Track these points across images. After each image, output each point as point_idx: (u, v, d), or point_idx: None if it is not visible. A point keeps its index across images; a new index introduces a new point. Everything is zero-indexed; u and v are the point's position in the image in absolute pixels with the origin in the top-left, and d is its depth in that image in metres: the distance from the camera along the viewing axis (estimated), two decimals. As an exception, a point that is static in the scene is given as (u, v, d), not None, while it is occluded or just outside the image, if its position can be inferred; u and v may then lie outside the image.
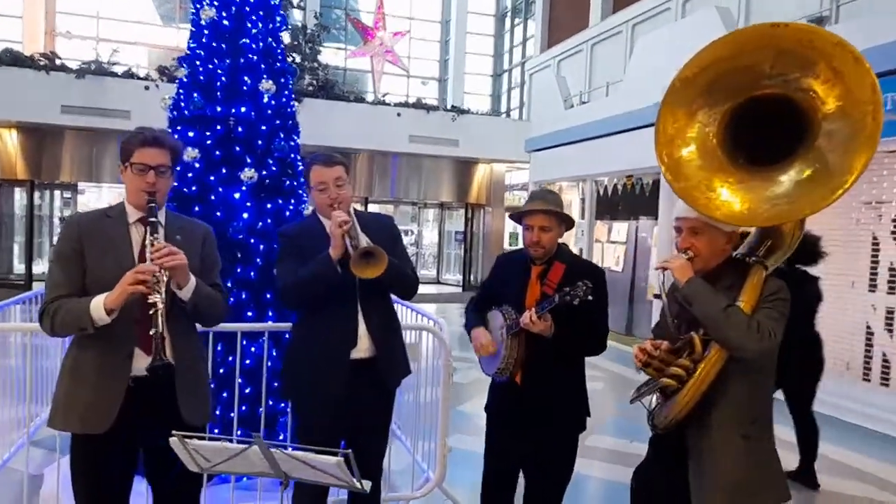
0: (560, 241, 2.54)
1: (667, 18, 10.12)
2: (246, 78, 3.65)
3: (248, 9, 3.70)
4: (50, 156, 12.35)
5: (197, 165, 3.55)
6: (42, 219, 14.35)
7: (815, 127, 1.91)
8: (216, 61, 3.65)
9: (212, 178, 3.57)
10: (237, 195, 3.57)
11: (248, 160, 3.60)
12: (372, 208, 14.48)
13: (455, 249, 16.61)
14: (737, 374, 2.02)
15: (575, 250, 5.50)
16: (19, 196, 13.09)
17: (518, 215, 2.53)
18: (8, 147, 12.07)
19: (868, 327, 5.85)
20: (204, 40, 3.68)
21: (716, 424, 2.03)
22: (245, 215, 3.55)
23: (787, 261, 2.33)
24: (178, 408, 2.06)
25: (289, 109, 3.83)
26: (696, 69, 2.00)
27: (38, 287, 7.04)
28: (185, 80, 3.71)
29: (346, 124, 12.75)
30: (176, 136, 3.29)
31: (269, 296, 3.52)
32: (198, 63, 3.68)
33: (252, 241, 3.54)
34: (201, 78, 3.65)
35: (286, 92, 3.84)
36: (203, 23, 3.67)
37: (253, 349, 3.45)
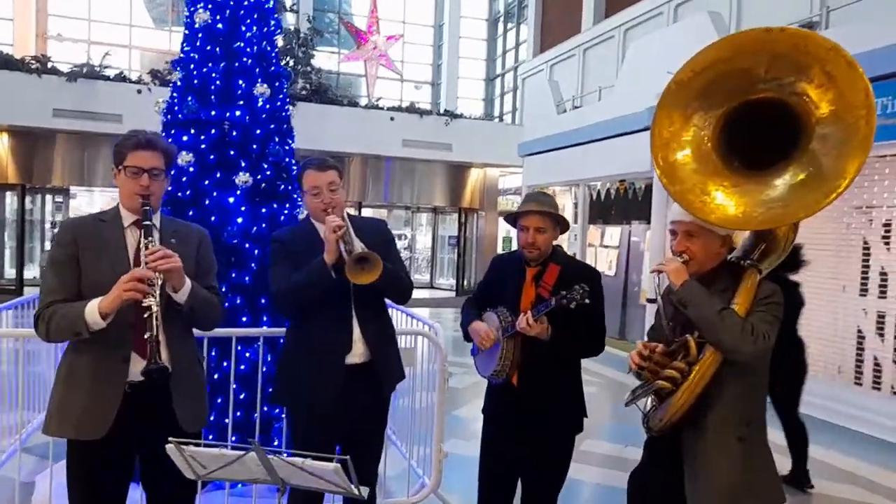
0: (555, 243, 2.55)
1: (659, 23, 10.20)
2: (240, 81, 3.64)
3: (242, 12, 3.70)
4: (41, 160, 12.29)
5: (191, 169, 3.53)
6: (33, 223, 14.26)
7: (810, 131, 1.92)
8: (210, 65, 3.64)
9: (206, 182, 3.56)
10: (231, 199, 3.56)
11: (243, 164, 3.59)
12: (365, 213, 14.48)
13: (448, 254, 16.61)
14: (731, 376, 2.02)
15: (569, 254, 5.50)
16: (10, 200, 13.01)
17: (513, 217, 2.53)
18: (-1, 151, 12.01)
19: (859, 331, 5.88)
20: (198, 44, 3.68)
21: (711, 426, 2.03)
22: (239, 220, 3.54)
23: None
24: (174, 413, 2.04)
25: (283, 113, 3.83)
26: (692, 73, 2.01)
27: (29, 292, 7.01)
28: (178, 83, 3.70)
29: (340, 128, 12.75)
30: (170, 140, 3.29)
31: (263, 301, 3.51)
32: (192, 66, 3.67)
33: (247, 245, 3.53)
34: (195, 81, 3.64)
35: (281, 96, 3.84)
36: (197, 26, 3.66)
37: (248, 354, 3.43)
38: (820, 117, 1.90)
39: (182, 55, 3.76)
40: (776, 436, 3.10)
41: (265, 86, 3.66)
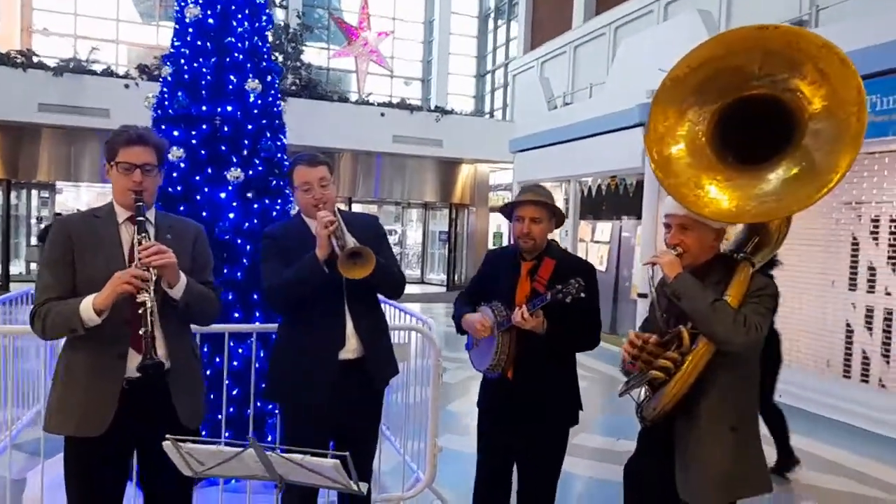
0: (549, 238, 2.55)
1: (649, 21, 10.23)
2: (232, 77, 3.61)
3: (233, 7, 3.66)
4: (27, 155, 12.15)
5: (182, 165, 3.50)
6: (19, 219, 14.11)
7: (802, 126, 1.95)
8: (201, 60, 3.60)
9: (197, 177, 3.53)
10: (223, 195, 3.53)
11: (235, 160, 3.56)
12: (356, 208, 14.44)
13: (439, 249, 16.62)
14: (724, 366, 2.06)
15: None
16: (-5, 196, 12.86)
17: (509, 208, 2.53)
18: (-17, 146, 11.86)
19: (848, 325, 5.94)
20: (189, 38, 3.64)
21: (704, 416, 2.06)
22: (231, 215, 3.51)
23: None
24: (174, 409, 2.04)
25: (275, 109, 3.80)
26: (687, 69, 2.03)
27: (15, 288, 6.93)
28: (169, 78, 3.66)
29: (330, 124, 12.70)
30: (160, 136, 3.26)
31: (256, 296, 3.49)
32: (182, 62, 3.63)
33: (239, 241, 3.51)
34: (186, 77, 3.60)
35: (272, 91, 3.82)
36: (188, 21, 3.63)
37: (240, 350, 3.42)
38: (813, 113, 1.92)
39: (172, 50, 3.72)
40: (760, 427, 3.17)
41: (256, 81, 3.64)
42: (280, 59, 13.29)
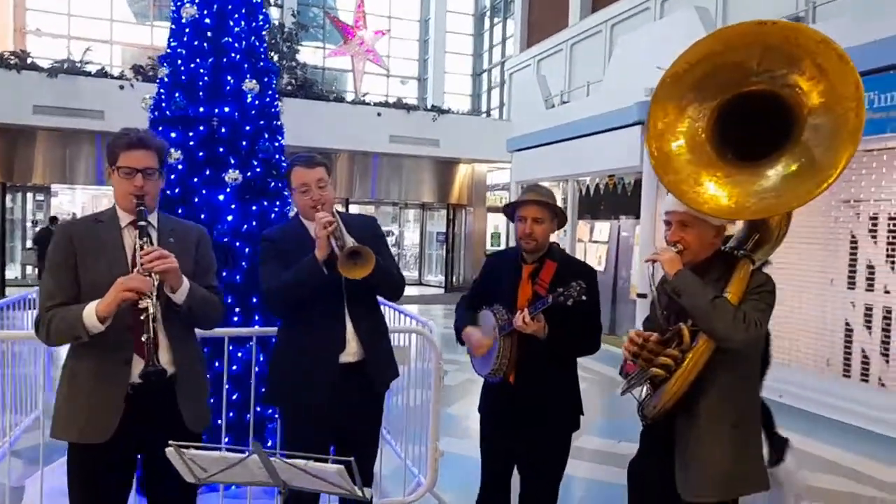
0: (551, 240, 2.54)
1: (646, 18, 10.24)
2: (229, 77, 3.59)
3: (229, 7, 3.64)
4: (22, 157, 12.09)
5: (180, 167, 3.48)
6: (14, 222, 14.06)
7: (801, 122, 1.94)
8: (198, 60, 3.58)
9: (195, 179, 3.50)
10: (221, 197, 3.51)
11: (233, 161, 3.54)
12: (353, 209, 14.43)
13: (437, 250, 16.59)
14: (724, 365, 2.05)
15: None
16: (-10, 200, 12.81)
17: (511, 209, 2.52)
18: (-22, 150, 11.80)
19: (847, 324, 5.94)
20: (185, 39, 3.62)
21: (704, 413, 2.06)
22: (230, 217, 3.49)
23: None
24: (179, 414, 2.03)
25: (273, 109, 3.78)
26: (686, 65, 2.03)
27: (11, 293, 6.89)
28: (165, 79, 3.64)
29: (326, 124, 12.67)
30: (157, 137, 3.23)
31: (255, 300, 3.47)
32: (179, 62, 3.61)
33: (237, 243, 3.49)
34: (183, 77, 3.58)
35: (270, 92, 3.79)
36: (184, 21, 3.60)
37: (240, 354, 3.39)
38: (812, 108, 1.92)
39: (169, 51, 3.70)
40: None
41: (254, 81, 3.61)
42: (275, 58, 13.26)
